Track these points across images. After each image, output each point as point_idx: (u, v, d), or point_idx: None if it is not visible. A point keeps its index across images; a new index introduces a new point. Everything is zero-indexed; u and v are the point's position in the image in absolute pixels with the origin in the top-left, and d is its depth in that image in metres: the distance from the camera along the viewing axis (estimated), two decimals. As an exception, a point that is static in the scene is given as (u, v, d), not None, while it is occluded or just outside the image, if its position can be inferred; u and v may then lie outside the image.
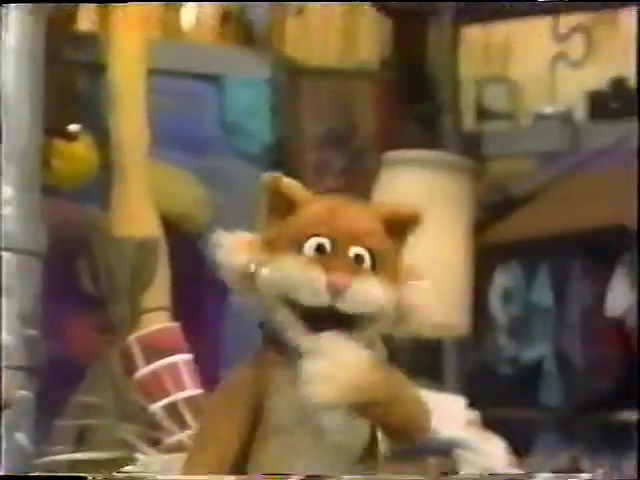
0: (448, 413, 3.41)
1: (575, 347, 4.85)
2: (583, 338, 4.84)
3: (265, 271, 1.47)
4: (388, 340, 1.53)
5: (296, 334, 1.46)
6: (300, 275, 1.43)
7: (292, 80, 4.33)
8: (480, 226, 4.50)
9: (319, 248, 1.46)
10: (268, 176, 1.53)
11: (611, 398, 4.85)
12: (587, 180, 4.91)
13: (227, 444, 1.49)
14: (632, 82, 5.26)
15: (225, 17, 4.14)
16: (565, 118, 5.22)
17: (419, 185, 3.83)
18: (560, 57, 5.41)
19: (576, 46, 5.41)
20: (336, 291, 1.42)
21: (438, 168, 3.92)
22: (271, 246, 1.50)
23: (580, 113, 5.25)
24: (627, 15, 5.50)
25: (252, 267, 1.48)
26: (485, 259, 4.45)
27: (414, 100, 4.96)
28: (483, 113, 5.33)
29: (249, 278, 1.49)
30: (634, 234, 4.80)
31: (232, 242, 1.51)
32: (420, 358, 3.55)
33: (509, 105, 5.35)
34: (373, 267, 1.47)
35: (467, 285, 4.08)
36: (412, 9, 5.04)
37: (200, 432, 1.55)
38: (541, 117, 5.26)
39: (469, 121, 5.31)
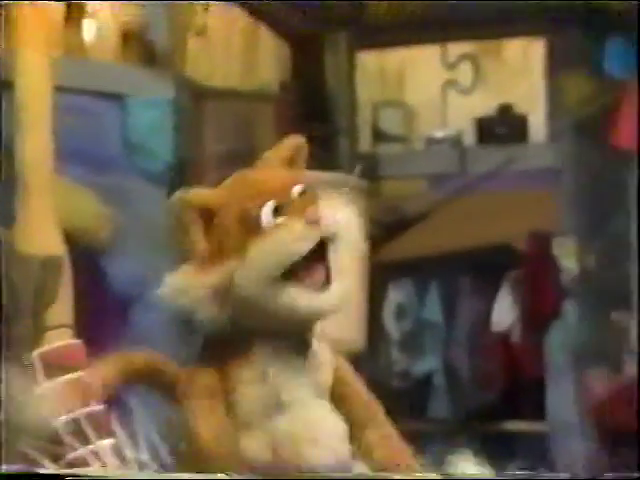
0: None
1: (463, 361, 4.91)
2: (471, 352, 4.91)
3: (243, 267, 1.43)
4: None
5: (305, 301, 1.43)
6: (283, 238, 1.43)
7: (195, 101, 4.32)
8: (374, 245, 4.53)
9: (276, 210, 1.47)
10: (177, 197, 1.50)
11: (496, 409, 4.91)
12: (475, 201, 4.99)
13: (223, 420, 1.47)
14: (518, 108, 5.37)
15: (126, 36, 4.10)
16: (455, 142, 5.32)
17: (316, 205, 3.85)
18: (450, 84, 5.50)
19: (465, 74, 5.50)
20: (316, 221, 1.45)
21: (334, 189, 3.94)
22: (221, 253, 1.47)
23: (469, 137, 5.34)
24: (512, 44, 5.61)
25: (220, 280, 1.44)
26: (379, 276, 4.48)
27: (312, 122, 4.97)
28: (378, 136, 5.38)
29: (218, 296, 1.45)
30: (519, 253, 4.89)
31: (178, 281, 1.48)
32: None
33: (403, 128, 5.42)
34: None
35: (362, 301, 4.09)
36: (309, 34, 5.06)
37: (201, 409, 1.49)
38: (432, 141, 5.35)
39: (365, 143, 5.35)
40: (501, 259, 4.86)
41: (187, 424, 1.48)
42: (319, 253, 1.46)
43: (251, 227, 1.45)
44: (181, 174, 4.11)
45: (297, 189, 1.50)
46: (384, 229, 4.90)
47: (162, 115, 4.11)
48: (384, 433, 1.56)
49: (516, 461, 4.65)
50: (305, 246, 1.43)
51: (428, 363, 4.93)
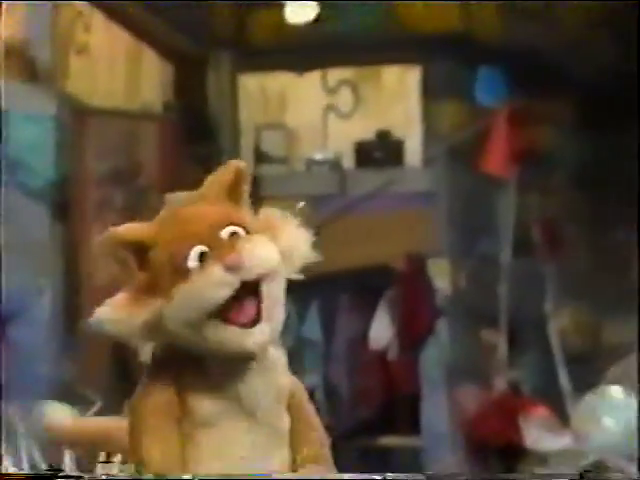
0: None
1: (342, 378, 4.89)
2: (349, 369, 4.89)
3: (169, 307, 1.40)
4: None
5: (231, 339, 1.41)
6: (201, 286, 1.40)
7: (77, 118, 4.20)
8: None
9: (202, 256, 1.43)
10: (103, 238, 1.45)
11: (373, 425, 4.91)
12: (354, 223, 4.99)
13: (174, 446, 1.43)
14: (395, 133, 5.37)
15: (8, 52, 3.95)
16: (334, 165, 5.32)
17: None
18: (330, 108, 5.50)
19: (345, 99, 5.50)
20: (236, 267, 1.40)
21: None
22: (154, 288, 1.43)
23: (348, 160, 5.33)
24: (389, 71, 5.63)
25: (150, 316, 1.42)
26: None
27: (195, 142, 4.89)
28: (260, 157, 5.33)
29: (153, 329, 1.43)
30: (395, 273, 4.88)
31: (110, 312, 1.44)
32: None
33: (284, 150, 5.38)
34: (247, 232, 1.46)
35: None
36: (193, 54, 4.99)
37: (145, 438, 1.44)
38: (313, 163, 5.35)
39: (248, 164, 5.26)
40: (379, 279, 4.86)
41: (138, 446, 1.44)
42: (251, 290, 1.43)
43: (178, 269, 1.43)
44: (62, 190, 3.99)
45: (227, 231, 1.44)
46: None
47: (43, 131, 3.98)
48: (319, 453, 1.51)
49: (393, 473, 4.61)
50: (223, 292, 1.40)
51: (308, 380, 4.88)
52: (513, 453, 4.74)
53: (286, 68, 5.46)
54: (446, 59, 5.41)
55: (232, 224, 1.45)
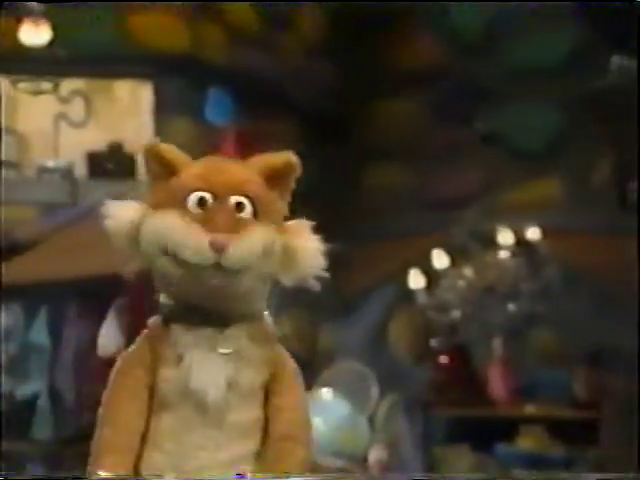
0: None
1: (68, 384, 4.88)
2: (76, 376, 4.89)
3: (148, 223, 1.44)
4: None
5: (178, 284, 1.43)
6: (183, 234, 1.41)
7: None
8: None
9: (201, 202, 1.43)
10: (147, 144, 1.50)
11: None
12: (85, 232, 4.99)
13: (134, 427, 1.46)
14: (127, 146, 5.47)
15: None
16: (66, 173, 5.31)
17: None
18: (62, 117, 5.49)
19: (77, 109, 5.52)
20: (219, 248, 1.40)
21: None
22: (156, 206, 1.46)
23: (80, 170, 5.35)
24: (122, 85, 5.72)
25: (135, 219, 1.46)
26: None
27: None
28: (-10, 161, 5.26)
29: (134, 236, 1.47)
30: (126, 282, 4.95)
31: (119, 208, 1.50)
32: None
33: (16, 156, 5.33)
34: (255, 213, 1.45)
35: None
36: None
37: (106, 419, 1.50)
38: (44, 170, 5.32)
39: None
40: (108, 287, 4.90)
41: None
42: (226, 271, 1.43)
43: (177, 200, 1.45)
44: None
45: (235, 199, 1.44)
46: (-6, 253, 4.81)
47: None
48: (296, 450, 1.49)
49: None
50: (196, 259, 1.41)
51: (33, 386, 4.86)
52: None
53: (15, 73, 5.41)
54: (176, 77, 5.56)
55: (246, 195, 1.44)
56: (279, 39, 6.06)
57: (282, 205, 1.50)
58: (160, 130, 5.51)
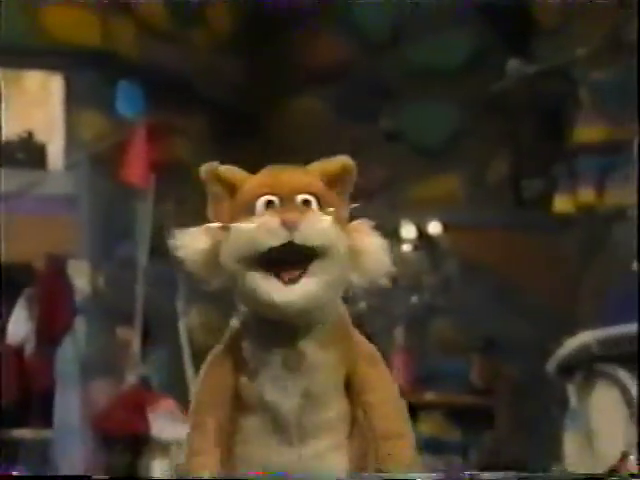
0: None
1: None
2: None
3: (225, 242, 1.48)
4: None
5: (268, 288, 1.46)
6: (256, 226, 1.46)
7: None
8: None
9: (269, 205, 1.48)
10: (206, 167, 1.53)
11: (6, 418, 4.95)
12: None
13: (220, 429, 1.51)
14: (38, 137, 5.48)
15: None
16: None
17: None
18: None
19: (-12, 99, 5.50)
20: (291, 225, 1.44)
21: None
22: (223, 220, 1.51)
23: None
24: (32, 76, 5.72)
25: (209, 244, 1.48)
26: None
27: None
28: None
29: (212, 260, 1.49)
30: (37, 272, 5.00)
31: (189, 237, 1.51)
32: None
33: None
34: (321, 207, 1.50)
35: None
36: None
37: (196, 423, 1.53)
38: (-46, 160, 5.27)
39: None
40: (19, 276, 4.94)
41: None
42: (301, 259, 1.46)
43: (247, 210, 1.49)
44: None
45: (302, 197, 1.49)
46: None
47: None
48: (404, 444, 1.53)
49: (19, 466, 4.75)
50: (272, 241, 1.44)
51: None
52: (139, 443, 4.99)
53: None
54: (87, 70, 5.59)
55: (311, 194, 1.48)
56: (189, 35, 6.15)
57: (344, 207, 1.55)
58: (70, 121, 5.54)
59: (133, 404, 5.01)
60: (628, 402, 3.92)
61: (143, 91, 5.55)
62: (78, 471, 4.85)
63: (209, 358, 1.54)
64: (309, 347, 1.50)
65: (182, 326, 5.19)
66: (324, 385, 1.50)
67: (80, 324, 5.05)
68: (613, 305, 4.72)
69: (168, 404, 4.97)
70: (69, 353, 4.99)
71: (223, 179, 1.53)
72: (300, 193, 1.49)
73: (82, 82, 5.62)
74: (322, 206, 1.49)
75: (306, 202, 1.49)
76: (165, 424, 4.90)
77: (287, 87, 6.48)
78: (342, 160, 1.56)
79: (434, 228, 5.81)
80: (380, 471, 1.50)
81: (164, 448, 4.89)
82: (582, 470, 4.00)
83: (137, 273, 5.08)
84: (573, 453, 4.16)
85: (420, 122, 6.12)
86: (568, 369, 4.11)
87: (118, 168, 5.26)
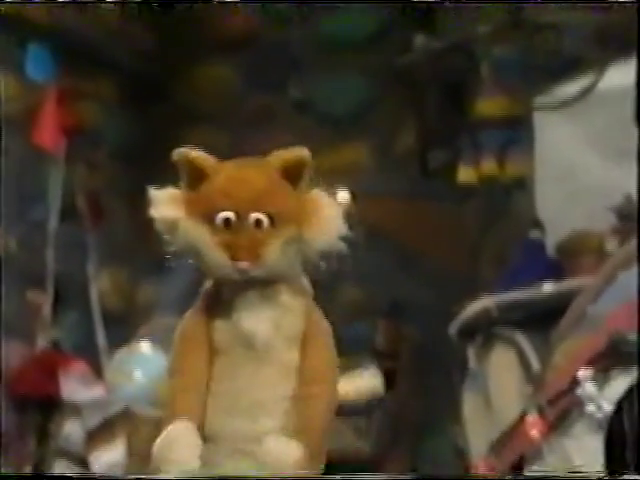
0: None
1: None
2: None
3: (182, 229, 1.57)
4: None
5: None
6: (211, 256, 1.56)
7: None
8: None
9: (226, 222, 1.55)
10: (179, 151, 1.59)
11: None
12: None
13: (200, 381, 1.56)
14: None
15: None
16: None
17: None
18: None
19: None
20: (242, 272, 1.55)
21: None
22: (189, 207, 1.59)
23: None
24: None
25: (171, 223, 1.57)
26: None
27: None
28: None
29: (173, 230, 1.58)
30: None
31: (161, 197, 1.59)
32: None
33: None
34: (273, 223, 1.57)
35: None
36: None
37: (174, 369, 1.59)
38: None
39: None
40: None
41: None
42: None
43: (208, 216, 1.57)
44: None
45: (254, 216, 1.57)
46: None
47: None
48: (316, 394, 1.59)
49: None
50: (223, 274, 1.57)
51: None
52: (50, 405, 5.02)
53: None
54: (-4, 33, 5.57)
55: (263, 211, 1.56)
56: None
57: (298, 198, 1.61)
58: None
59: (45, 366, 5.07)
60: (524, 364, 4.01)
61: (53, 54, 5.54)
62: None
63: (180, 321, 1.63)
64: (282, 288, 1.60)
65: (93, 289, 5.23)
66: (292, 325, 1.60)
67: (-11, 288, 5.05)
68: (512, 271, 4.88)
69: (79, 366, 5.05)
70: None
71: (194, 165, 1.60)
72: (255, 211, 1.56)
73: (-9, 45, 5.57)
74: (275, 220, 1.57)
75: (258, 221, 1.56)
76: (77, 386, 4.98)
77: (196, 54, 6.53)
78: (298, 152, 1.62)
79: (342, 196, 5.95)
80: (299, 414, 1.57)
81: (76, 409, 4.95)
82: (479, 429, 4.11)
83: (48, 236, 5.14)
84: (472, 414, 4.25)
85: (328, 92, 6.23)
86: (469, 332, 4.18)
87: (29, 132, 5.28)
